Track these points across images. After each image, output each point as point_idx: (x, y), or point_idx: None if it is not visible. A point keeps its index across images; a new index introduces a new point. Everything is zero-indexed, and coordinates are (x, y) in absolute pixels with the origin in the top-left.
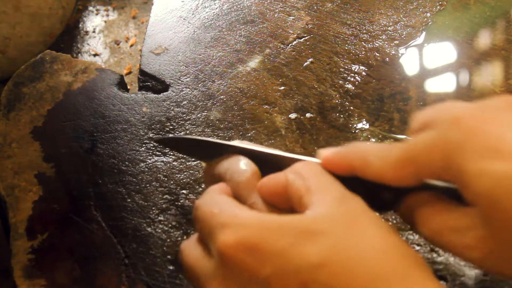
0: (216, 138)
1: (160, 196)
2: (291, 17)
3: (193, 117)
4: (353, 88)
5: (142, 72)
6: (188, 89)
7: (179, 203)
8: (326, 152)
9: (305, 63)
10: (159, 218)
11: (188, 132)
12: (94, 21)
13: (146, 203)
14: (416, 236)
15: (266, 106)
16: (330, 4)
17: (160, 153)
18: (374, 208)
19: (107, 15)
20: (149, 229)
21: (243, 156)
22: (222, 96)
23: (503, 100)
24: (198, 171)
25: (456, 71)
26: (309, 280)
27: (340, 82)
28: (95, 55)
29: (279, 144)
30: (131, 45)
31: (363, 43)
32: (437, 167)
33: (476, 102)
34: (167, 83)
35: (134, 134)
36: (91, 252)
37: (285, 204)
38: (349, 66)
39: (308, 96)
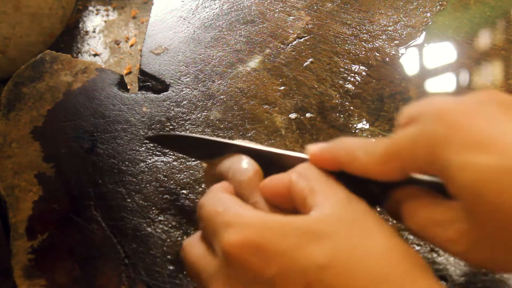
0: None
1: (160, 196)
2: (291, 17)
3: (193, 117)
4: (353, 88)
5: (142, 72)
6: (188, 89)
7: (179, 203)
8: (314, 148)
9: (305, 63)
10: (159, 218)
11: (188, 132)
12: (94, 21)
13: (146, 203)
14: None
15: (266, 106)
16: (330, 4)
17: (160, 153)
18: None
19: (107, 15)
20: (149, 229)
21: (245, 155)
22: (222, 96)
23: (485, 93)
24: (198, 171)
25: (456, 71)
26: (314, 280)
27: (340, 82)
28: (95, 55)
29: (279, 144)
30: (131, 45)
31: (363, 43)
32: (422, 161)
33: (458, 96)
34: (167, 83)
35: (134, 134)
36: (91, 252)
37: (288, 204)
38: (349, 66)
39: (308, 96)
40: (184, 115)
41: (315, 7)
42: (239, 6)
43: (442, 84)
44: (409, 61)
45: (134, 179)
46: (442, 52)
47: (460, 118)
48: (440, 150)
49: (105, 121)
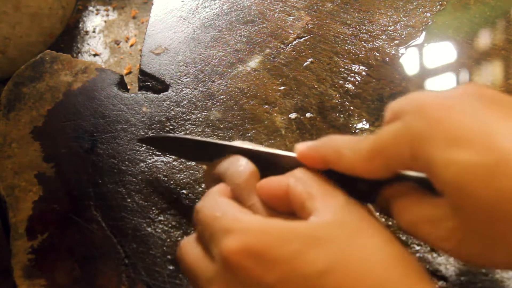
0: (206, 137)
1: (160, 196)
2: (291, 17)
3: (193, 117)
4: (353, 88)
5: (142, 72)
6: (188, 89)
7: (179, 203)
8: (301, 146)
9: (305, 63)
10: (159, 218)
11: (188, 132)
12: (94, 21)
13: (146, 203)
14: None
15: (266, 106)
16: (330, 4)
17: (160, 153)
18: None
19: (107, 15)
20: (149, 229)
21: (242, 155)
22: (222, 96)
23: (467, 87)
24: (198, 171)
25: (456, 71)
26: (315, 286)
27: (340, 82)
28: (95, 55)
29: (279, 144)
30: (131, 45)
31: (363, 43)
32: (406, 158)
33: (440, 91)
34: (167, 83)
35: (134, 134)
36: (91, 252)
37: (285, 207)
38: (349, 66)
39: (308, 96)
40: (184, 115)
41: (315, 7)
42: (239, 6)
43: (442, 84)
44: (409, 61)
45: (134, 179)
46: (442, 52)
47: (442, 113)
48: (423, 146)
49: (105, 121)
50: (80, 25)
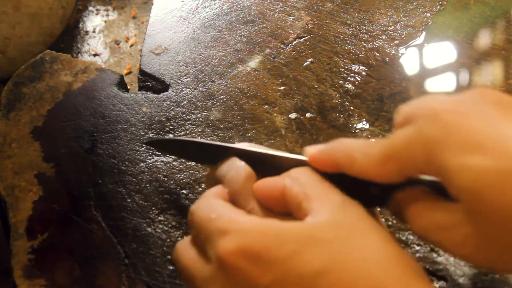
0: (207, 139)
1: (160, 196)
2: (291, 17)
3: (193, 117)
4: (353, 88)
5: (142, 72)
6: (188, 89)
7: (179, 203)
8: (312, 150)
9: (305, 63)
10: (159, 218)
11: (188, 132)
12: (94, 21)
13: (146, 203)
14: (417, 236)
15: (266, 106)
16: (330, 4)
17: (160, 153)
18: (364, 205)
19: (107, 15)
20: (149, 229)
21: (241, 158)
22: (222, 96)
23: (480, 92)
24: (198, 171)
25: (456, 71)
26: (310, 287)
27: (340, 82)
28: (95, 55)
29: (279, 144)
30: (131, 45)
31: (363, 43)
32: (419, 163)
33: (453, 95)
34: (167, 83)
35: (134, 134)
36: (91, 252)
37: (282, 208)
38: (349, 66)
39: (308, 96)
40: (184, 115)
41: (315, 7)
42: (239, 6)
43: (442, 84)
44: (409, 61)
45: (134, 179)
46: (442, 52)
47: (456, 118)
48: (437, 152)
49: (105, 121)
50: (80, 25)
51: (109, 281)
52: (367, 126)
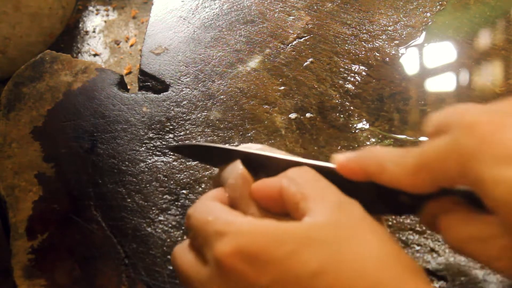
0: (229, 145)
1: (160, 196)
2: (291, 17)
3: (193, 117)
4: (353, 88)
5: (142, 72)
6: (188, 89)
7: (179, 203)
8: (341, 157)
9: (305, 63)
10: (159, 218)
11: (188, 132)
12: (94, 21)
13: (146, 203)
14: (416, 236)
15: (266, 106)
16: (330, 4)
17: (160, 153)
18: (393, 212)
19: (107, 15)
20: (149, 229)
21: (244, 163)
22: (222, 96)
23: None
24: (198, 171)
25: (456, 71)
26: (308, 287)
27: (340, 82)
28: (95, 55)
29: (279, 144)
30: (131, 45)
31: (363, 43)
32: (454, 174)
33: (487, 105)
34: (167, 83)
35: (134, 134)
36: (91, 252)
37: (280, 209)
38: (349, 66)
39: (308, 96)
40: (184, 115)
41: (315, 7)
42: (239, 6)
43: (442, 84)
44: (409, 61)
45: (134, 179)
46: (442, 52)
47: (491, 130)
48: (473, 164)
49: (105, 121)
50: (80, 25)
51: (109, 281)
52: (367, 126)
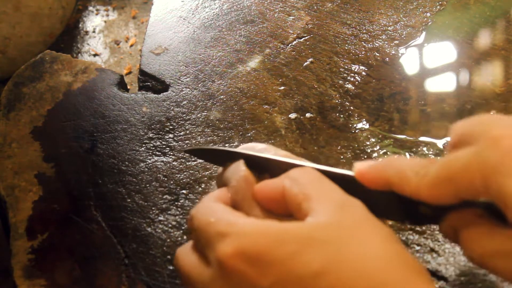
0: (230, 146)
1: (160, 196)
2: (291, 17)
3: (193, 117)
4: (353, 88)
5: (142, 72)
6: (188, 89)
7: (179, 203)
8: (362, 166)
9: (305, 63)
10: (159, 218)
11: (188, 132)
12: (94, 21)
13: (146, 203)
14: (416, 236)
15: (266, 106)
16: (330, 4)
17: (160, 153)
18: (412, 222)
19: (107, 15)
20: (149, 229)
21: (248, 163)
22: (222, 96)
23: None
24: (198, 171)
25: (456, 71)
26: None
27: (340, 82)
28: (95, 55)
29: (279, 144)
30: (131, 45)
31: (363, 43)
32: (476, 186)
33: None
34: (167, 83)
35: (134, 134)
36: (91, 252)
37: (283, 210)
38: (349, 66)
39: (308, 96)
40: (184, 115)
41: (315, 7)
42: (239, 6)
43: (442, 84)
44: (409, 61)
45: (134, 179)
46: (442, 52)
47: None
48: (496, 177)
49: (105, 121)
50: (80, 25)
51: (109, 281)
52: (367, 126)
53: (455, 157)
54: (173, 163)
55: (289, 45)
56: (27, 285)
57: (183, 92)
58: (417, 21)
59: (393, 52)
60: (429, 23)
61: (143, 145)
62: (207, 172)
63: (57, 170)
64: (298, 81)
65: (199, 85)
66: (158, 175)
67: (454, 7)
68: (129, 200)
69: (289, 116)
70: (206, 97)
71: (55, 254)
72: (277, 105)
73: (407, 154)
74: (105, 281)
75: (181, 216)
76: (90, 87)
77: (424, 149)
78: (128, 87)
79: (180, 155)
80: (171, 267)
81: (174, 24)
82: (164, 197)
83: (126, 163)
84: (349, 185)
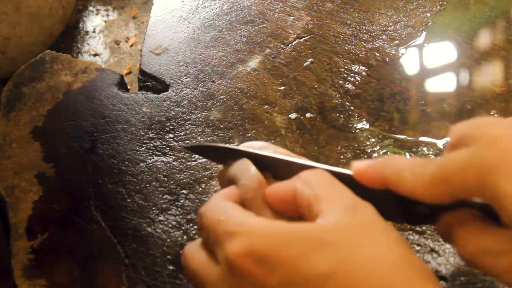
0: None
1: (160, 196)
2: (291, 17)
3: (193, 117)
4: (353, 88)
5: (142, 72)
6: (188, 89)
7: (179, 203)
8: (359, 164)
9: (305, 63)
10: (159, 218)
11: (188, 132)
12: (94, 21)
13: (146, 203)
14: (417, 236)
15: (266, 106)
16: (330, 4)
17: (160, 153)
18: (409, 222)
19: (107, 15)
20: (149, 229)
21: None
22: (222, 96)
23: None
24: (198, 171)
25: (456, 71)
26: None
27: (340, 82)
28: (95, 55)
29: (279, 144)
30: (131, 45)
31: (363, 43)
32: (471, 186)
33: (510, 119)
34: (167, 83)
35: (134, 134)
36: (91, 252)
37: (294, 212)
38: (349, 66)
39: (308, 96)
40: (184, 115)
41: (315, 7)
42: (239, 6)
43: (442, 84)
44: (409, 61)
45: (134, 179)
46: (442, 52)
47: None
48: (492, 178)
49: (105, 121)
50: (80, 25)
51: (109, 281)
52: (367, 126)
53: (452, 157)
54: (173, 163)
55: (289, 45)
56: (27, 285)
57: (183, 92)
58: (417, 21)
59: (393, 52)
60: (429, 23)
61: (143, 145)
62: (207, 172)
63: (57, 170)
64: (298, 81)
65: (199, 85)
66: (158, 175)
67: (454, 7)
68: (129, 200)
69: (289, 116)
70: (206, 97)
71: (55, 254)
72: (277, 105)
73: (407, 154)
74: (105, 281)
75: (181, 216)
76: (90, 87)
77: (424, 149)
78: (128, 87)
79: (180, 155)
80: (171, 267)
81: (174, 24)
82: (164, 197)
83: (126, 163)
84: (347, 184)
